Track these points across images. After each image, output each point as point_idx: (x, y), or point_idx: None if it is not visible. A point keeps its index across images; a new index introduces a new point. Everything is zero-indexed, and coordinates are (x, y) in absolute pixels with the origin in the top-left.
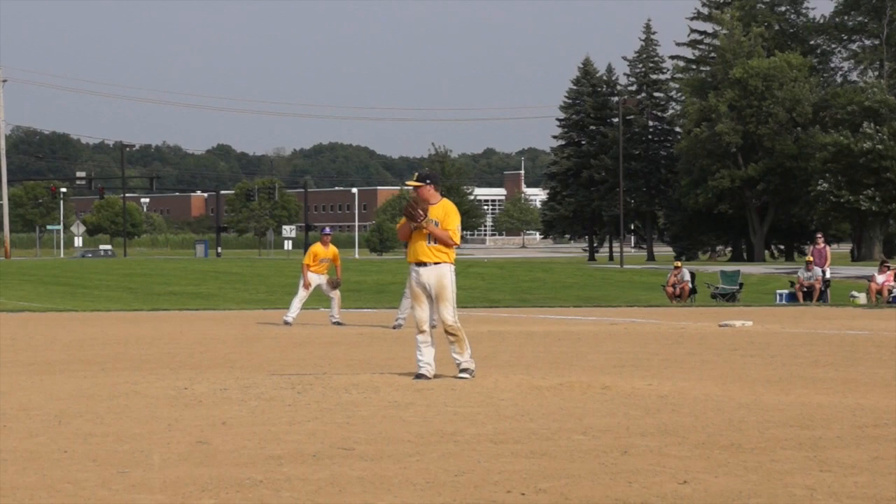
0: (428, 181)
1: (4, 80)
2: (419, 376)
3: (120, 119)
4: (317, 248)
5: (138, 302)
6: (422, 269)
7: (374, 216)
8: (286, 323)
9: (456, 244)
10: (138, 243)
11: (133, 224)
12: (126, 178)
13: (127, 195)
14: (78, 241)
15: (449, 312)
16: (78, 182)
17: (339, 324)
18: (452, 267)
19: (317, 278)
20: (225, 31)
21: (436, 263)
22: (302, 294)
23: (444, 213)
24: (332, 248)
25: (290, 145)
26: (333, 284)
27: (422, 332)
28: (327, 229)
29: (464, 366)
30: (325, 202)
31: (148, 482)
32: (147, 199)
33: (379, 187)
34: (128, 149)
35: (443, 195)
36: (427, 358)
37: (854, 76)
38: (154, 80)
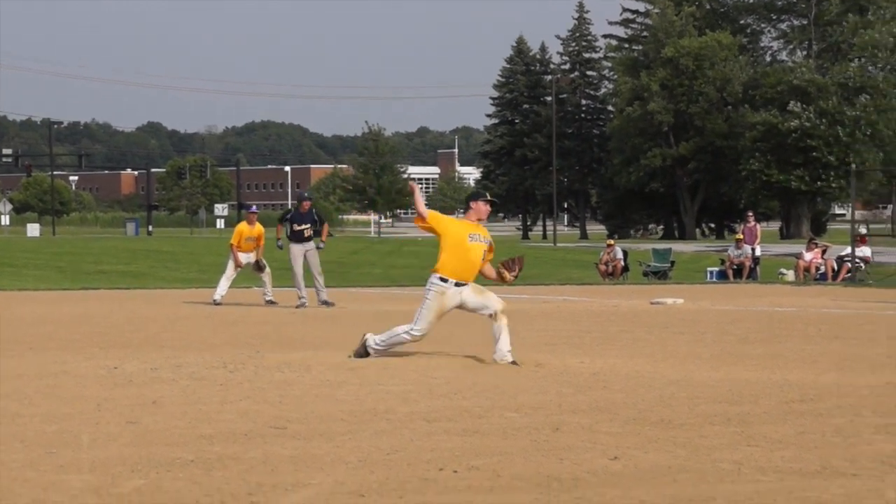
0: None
1: None
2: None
3: (47, 96)
4: (242, 226)
5: (67, 281)
6: (463, 289)
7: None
8: (215, 302)
9: None
10: (67, 221)
11: (62, 202)
12: (54, 155)
13: (55, 173)
14: (4, 220)
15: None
16: (4, 159)
17: (272, 303)
18: None
19: (245, 257)
20: (154, 6)
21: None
22: (230, 273)
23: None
24: (259, 227)
25: (222, 123)
26: (258, 268)
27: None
28: (254, 207)
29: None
30: (258, 180)
31: (77, 462)
32: (76, 177)
33: (312, 165)
34: (56, 126)
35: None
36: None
37: (783, 56)
38: (82, 57)
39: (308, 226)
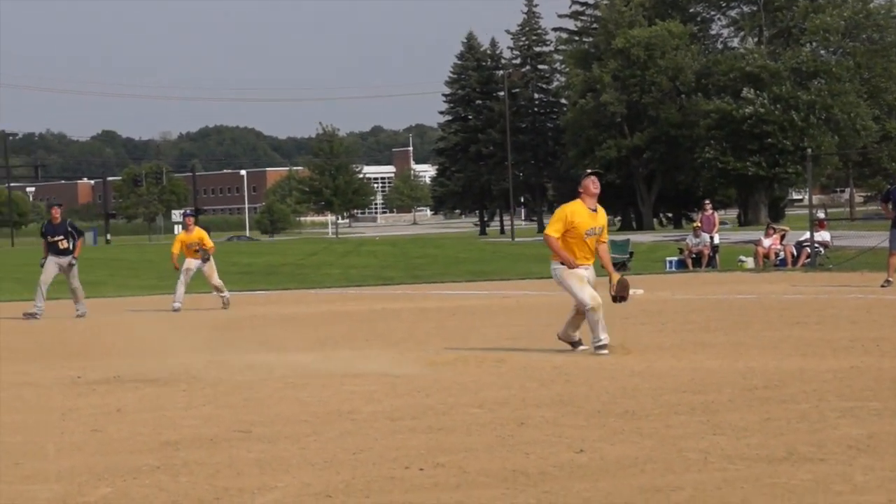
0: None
1: None
2: (604, 346)
3: (1, 107)
4: (182, 235)
5: (27, 292)
6: (587, 269)
7: (263, 198)
8: (174, 309)
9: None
10: (25, 233)
11: (20, 213)
12: (10, 167)
13: (12, 185)
14: None
15: None
16: None
17: (225, 308)
18: None
19: (194, 263)
20: (104, 15)
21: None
22: (183, 278)
23: (605, 219)
24: (197, 231)
25: (176, 129)
26: (203, 259)
27: (597, 307)
28: (188, 211)
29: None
30: (214, 185)
31: (43, 473)
32: (33, 188)
33: (268, 168)
34: (11, 137)
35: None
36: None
37: (734, 43)
38: (35, 68)
39: (61, 237)
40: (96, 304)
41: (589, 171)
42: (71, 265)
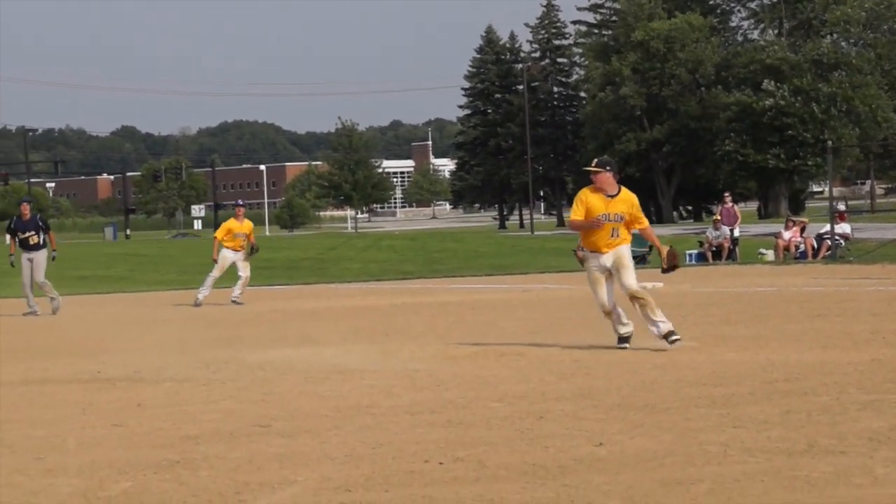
0: (608, 168)
1: None
2: (625, 339)
3: (21, 103)
4: (231, 223)
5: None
6: (602, 256)
7: (283, 192)
8: (196, 304)
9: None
10: None
11: (40, 209)
12: (30, 163)
13: (32, 180)
14: None
15: (632, 279)
16: None
17: (236, 303)
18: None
19: (232, 255)
20: (123, 10)
21: (614, 249)
22: (215, 273)
23: (630, 205)
24: (248, 223)
25: (196, 124)
26: (252, 251)
27: (608, 312)
28: (240, 201)
29: (665, 330)
30: (234, 180)
31: (64, 467)
32: (53, 184)
33: (287, 163)
34: (31, 133)
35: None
36: (627, 318)
37: (754, 35)
38: (54, 63)
39: (32, 233)
40: (117, 299)
41: (590, 167)
42: (53, 259)
